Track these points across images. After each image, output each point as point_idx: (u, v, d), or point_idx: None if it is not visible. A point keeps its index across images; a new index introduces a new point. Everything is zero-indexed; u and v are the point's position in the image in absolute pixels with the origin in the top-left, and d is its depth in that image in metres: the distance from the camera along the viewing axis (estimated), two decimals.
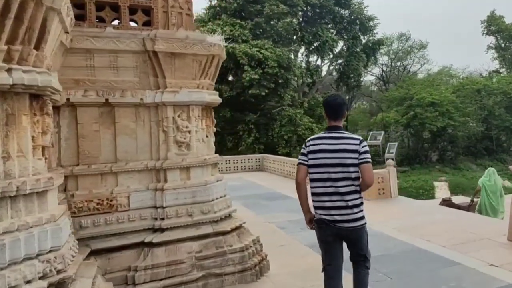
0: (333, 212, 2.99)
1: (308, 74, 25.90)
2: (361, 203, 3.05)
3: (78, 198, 3.89)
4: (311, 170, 3.09)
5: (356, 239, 3.10)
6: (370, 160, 3.03)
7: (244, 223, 4.71)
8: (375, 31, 28.07)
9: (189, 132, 4.34)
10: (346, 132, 3.13)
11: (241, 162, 16.97)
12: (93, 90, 3.98)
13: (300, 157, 3.20)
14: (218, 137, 28.30)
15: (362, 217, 3.04)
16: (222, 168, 15.37)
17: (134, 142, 4.24)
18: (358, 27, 27.19)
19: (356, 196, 3.02)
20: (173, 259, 3.97)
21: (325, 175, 3.01)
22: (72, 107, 3.94)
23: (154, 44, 4.06)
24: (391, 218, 7.22)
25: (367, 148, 3.06)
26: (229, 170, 16.17)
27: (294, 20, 25.03)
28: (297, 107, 23.71)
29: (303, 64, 27.03)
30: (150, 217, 4.15)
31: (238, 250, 4.27)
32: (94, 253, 3.72)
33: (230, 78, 23.59)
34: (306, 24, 26.00)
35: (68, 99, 3.83)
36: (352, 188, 3.00)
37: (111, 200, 4.02)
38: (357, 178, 3.02)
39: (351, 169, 2.99)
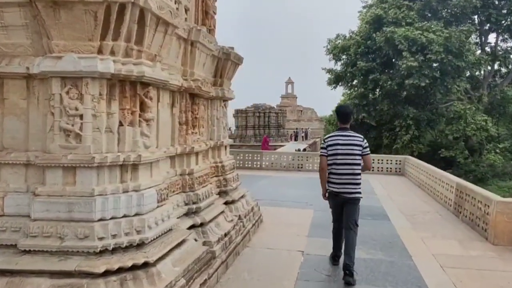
0: (342, 186, 4.31)
1: (493, 60, 20.19)
2: (361, 182, 4.39)
3: None
4: (330, 158, 4.35)
5: (353, 206, 4.35)
6: (369, 152, 4.47)
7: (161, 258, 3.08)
8: None
9: (80, 116, 2.98)
10: (352, 132, 4.47)
11: (378, 163, 14.24)
12: None
13: (321, 150, 4.54)
14: (375, 132, 25.49)
15: (360, 192, 4.37)
16: None
17: (24, 126, 3.19)
18: None
19: (360, 176, 4.37)
20: None
21: (343, 161, 4.29)
22: None
23: None
24: None
25: (367, 144, 4.47)
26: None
27: None
28: (473, 101, 18.73)
29: (487, 49, 21.23)
30: (22, 232, 3.03)
31: None
32: None
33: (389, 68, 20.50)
34: None
35: None
36: (358, 171, 4.35)
37: None
38: (360, 164, 4.36)
39: (357, 157, 4.33)
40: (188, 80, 4.30)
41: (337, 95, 35.46)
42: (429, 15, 20.46)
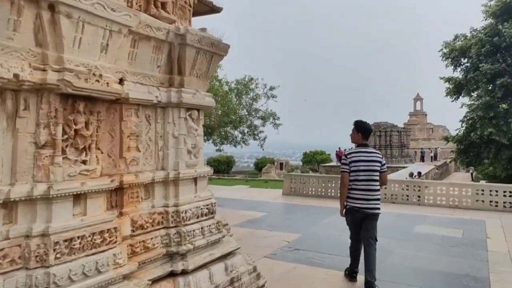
0: (364, 202, 4.33)
1: None
2: (380, 198, 4.47)
3: None
4: (352, 174, 4.40)
5: (374, 222, 4.37)
6: (386, 169, 4.63)
7: None
8: None
9: None
10: (371, 148, 4.65)
11: (505, 195, 10.34)
12: None
13: (343, 167, 4.50)
14: (508, 153, 19.70)
15: (380, 208, 4.42)
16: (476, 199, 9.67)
17: None
18: None
19: (378, 192, 4.42)
20: None
21: (363, 177, 4.36)
22: None
23: None
24: None
25: (385, 161, 4.62)
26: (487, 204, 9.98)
27: None
28: None
29: None
30: None
31: None
32: None
33: None
34: None
35: None
36: (376, 187, 4.40)
37: None
38: (378, 180, 4.42)
39: (376, 173, 4.41)
40: (48, 70, 2.48)
41: (461, 108, 29.65)
42: None
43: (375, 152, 4.53)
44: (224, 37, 4.02)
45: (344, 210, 4.50)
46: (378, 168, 4.41)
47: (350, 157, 4.45)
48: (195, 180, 3.76)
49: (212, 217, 3.85)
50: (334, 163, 35.47)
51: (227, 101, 20.24)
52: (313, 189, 13.01)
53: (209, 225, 3.74)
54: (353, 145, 4.74)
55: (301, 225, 7.97)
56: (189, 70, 3.64)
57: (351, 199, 4.40)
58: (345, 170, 4.43)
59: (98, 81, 2.67)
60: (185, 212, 3.52)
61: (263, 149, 24.39)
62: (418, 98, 57.06)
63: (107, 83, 2.74)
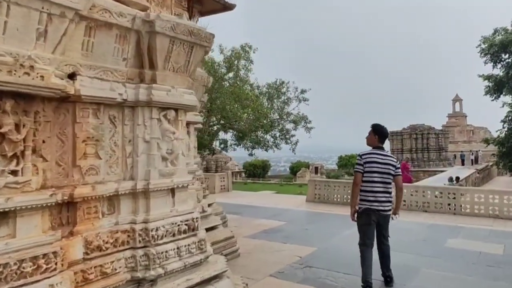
0: (378, 203, 4.34)
1: None
2: (391, 200, 4.48)
3: None
4: (366, 175, 4.40)
5: (386, 222, 4.49)
6: (400, 173, 4.63)
7: None
8: None
9: None
10: (386, 151, 4.62)
11: None
12: None
13: (357, 167, 4.50)
14: None
15: (391, 209, 4.49)
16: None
17: None
18: None
19: (390, 194, 4.44)
20: None
21: (377, 179, 4.37)
22: None
23: None
24: None
25: (399, 164, 4.64)
26: None
27: None
28: None
29: None
30: None
31: None
32: None
33: None
34: None
35: None
36: (389, 189, 4.43)
37: None
38: (391, 183, 4.46)
39: (390, 176, 4.44)
40: None
41: (502, 107, 27.57)
42: None
43: (389, 156, 4.59)
44: (209, 28, 3.50)
45: (356, 213, 4.49)
46: (393, 172, 4.47)
47: (365, 158, 4.47)
48: (172, 191, 3.22)
49: (194, 235, 3.29)
50: None
51: (258, 105, 19.92)
52: (338, 196, 12.22)
53: (188, 245, 3.19)
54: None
55: (319, 237, 7.29)
56: (162, 63, 3.12)
57: (365, 201, 4.39)
58: (359, 170, 4.45)
59: (28, 73, 2.20)
60: (156, 230, 2.99)
61: (294, 153, 24.00)
62: (457, 99, 54.64)
63: (42, 77, 2.26)
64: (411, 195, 11.03)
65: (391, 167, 4.44)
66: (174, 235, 3.12)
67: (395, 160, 4.56)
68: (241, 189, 18.86)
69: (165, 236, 3.05)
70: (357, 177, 4.44)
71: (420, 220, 9.29)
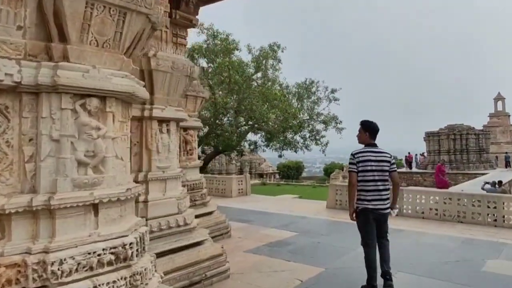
0: (376, 202, 4.31)
1: None
2: (389, 197, 4.42)
3: None
4: (360, 174, 4.35)
5: (385, 220, 4.46)
6: (396, 169, 4.52)
7: None
8: None
9: None
10: (380, 147, 4.53)
11: None
12: None
13: (350, 166, 4.45)
14: None
15: (389, 207, 4.42)
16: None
17: None
18: None
19: (388, 192, 4.41)
20: None
21: (372, 177, 4.33)
22: None
23: None
24: None
25: (394, 160, 4.56)
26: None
27: None
28: None
29: None
30: None
31: None
32: None
33: None
34: None
35: None
36: (386, 187, 4.41)
37: None
38: (388, 180, 4.42)
39: (386, 173, 4.40)
40: None
41: None
42: None
43: (383, 152, 4.52)
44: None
45: (354, 213, 4.48)
46: (387, 168, 4.44)
47: (357, 157, 4.43)
48: (94, 207, 2.39)
49: (125, 267, 2.44)
50: (404, 169, 32.16)
51: (286, 105, 19.12)
52: None
53: (113, 282, 2.33)
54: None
55: (331, 253, 6.28)
56: (77, 34, 2.30)
57: (362, 201, 4.39)
58: (353, 169, 4.43)
59: None
60: (61, 263, 2.15)
61: (325, 154, 23.32)
62: (499, 98, 51.32)
63: None
64: (444, 203, 9.76)
65: (385, 164, 4.42)
66: (91, 268, 2.28)
67: (390, 156, 4.51)
68: (262, 193, 17.98)
69: (76, 271, 2.21)
70: (352, 177, 4.41)
71: (453, 233, 8.05)
